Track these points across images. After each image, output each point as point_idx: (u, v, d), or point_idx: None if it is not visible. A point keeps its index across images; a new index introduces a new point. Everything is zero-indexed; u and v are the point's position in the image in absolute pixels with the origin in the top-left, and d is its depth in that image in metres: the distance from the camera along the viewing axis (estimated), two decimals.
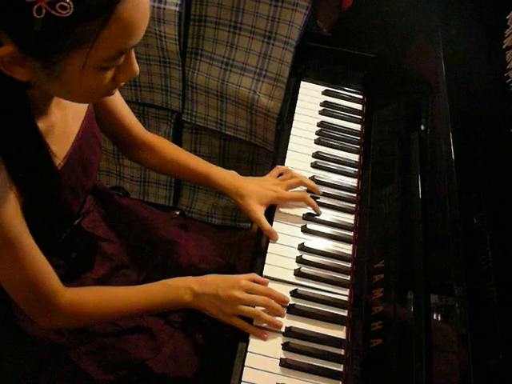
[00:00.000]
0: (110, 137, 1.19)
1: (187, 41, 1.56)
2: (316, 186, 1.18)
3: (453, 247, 0.84)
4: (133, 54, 0.79)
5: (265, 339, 0.95)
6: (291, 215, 1.15)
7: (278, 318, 0.98)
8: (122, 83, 0.82)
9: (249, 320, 0.98)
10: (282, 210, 1.15)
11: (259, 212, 1.12)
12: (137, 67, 0.81)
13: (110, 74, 0.78)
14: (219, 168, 1.20)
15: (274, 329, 0.97)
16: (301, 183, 1.17)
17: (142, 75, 1.66)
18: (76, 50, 0.71)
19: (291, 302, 1.01)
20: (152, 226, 1.24)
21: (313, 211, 1.15)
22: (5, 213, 0.80)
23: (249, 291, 0.99)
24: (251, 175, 1.87)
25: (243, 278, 1.00)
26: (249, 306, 0.98)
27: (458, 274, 0.81)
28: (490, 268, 0.81)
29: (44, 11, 0.65)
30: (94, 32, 0.69)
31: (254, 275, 1.02)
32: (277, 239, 1.09)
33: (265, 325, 0.97)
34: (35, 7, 0.65)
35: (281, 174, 1.20)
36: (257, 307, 0.98)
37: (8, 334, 1.05)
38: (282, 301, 1.00)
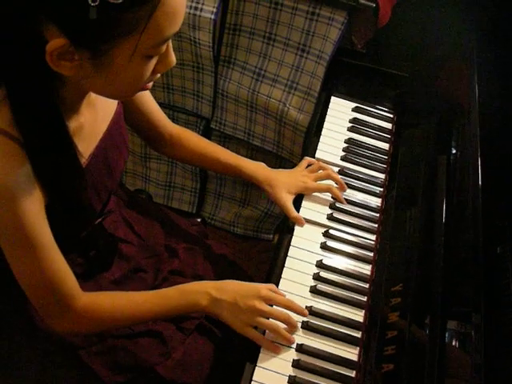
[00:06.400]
0: (138, 132, 1.20)
1: (221, 49, 1.57)
2: (342, 181, 1.20)
3: (474, 276, 0.82)
4: (171, 44, 0.81)
5: (278, 352, 0.94)
6: (310, 231, 1.13)
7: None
8: (159, 75, 0.84)
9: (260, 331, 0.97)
10: (303, 220, 1.15)
11: (287, 200, 1.15)
12: (174, 57, 0.83)
13: (153, 64, 0.79)
14: (248, 160, 1.23)
15: (287, 344, 0.96)
16: (328, 176, 1.20)
17: (175, 78, 1.67)
18: (126, 37, 0.72)
19: (305, 318, 0.99)
20: (172, 232, 1.24)
21: (333, 226, 1.14)
22: (28, 211, 0.80)
23: (268, 302, 0.97)
24: None
25: (263, 288, 0.99)
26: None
27: (476, 304, 0.79)
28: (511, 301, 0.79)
29: None
30: (144, 18, 0.71)
31: (273, 286, 1.01)
32: (303, 225, 1.13)
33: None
34: None
35: (310, 165, 1.24)
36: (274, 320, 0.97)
37: (21, 328, 1.05)
38: (301, 313, 0.99)
